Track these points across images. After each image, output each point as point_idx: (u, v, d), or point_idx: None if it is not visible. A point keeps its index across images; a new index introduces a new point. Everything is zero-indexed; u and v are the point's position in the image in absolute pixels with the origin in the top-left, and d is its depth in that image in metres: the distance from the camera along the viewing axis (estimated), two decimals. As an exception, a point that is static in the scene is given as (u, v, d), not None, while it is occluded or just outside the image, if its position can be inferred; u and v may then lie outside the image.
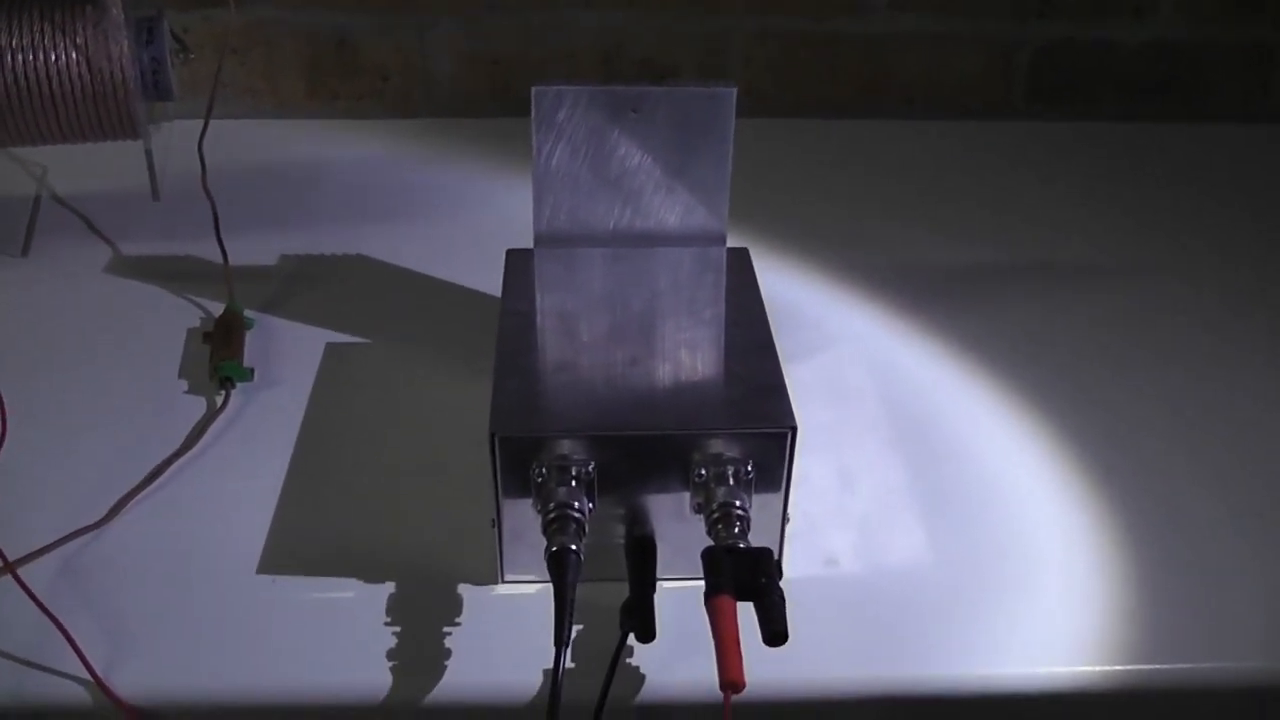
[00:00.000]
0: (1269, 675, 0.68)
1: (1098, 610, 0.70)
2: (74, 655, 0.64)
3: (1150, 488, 0.78)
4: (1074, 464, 0.80)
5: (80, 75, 0.89)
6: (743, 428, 0.65)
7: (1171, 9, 1.19)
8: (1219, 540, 0.75)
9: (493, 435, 0.64)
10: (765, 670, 0.60)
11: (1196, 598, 0.71)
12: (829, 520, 0.74)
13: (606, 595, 0.65)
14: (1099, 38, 1.20)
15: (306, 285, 0.95)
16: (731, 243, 0.83)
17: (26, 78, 0.88)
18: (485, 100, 1.19)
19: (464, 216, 1.05)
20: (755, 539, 0.64)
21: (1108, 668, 0.67)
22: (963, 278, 0.99)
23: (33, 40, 0.88)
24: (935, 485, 0.78)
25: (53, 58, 0.88)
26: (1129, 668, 0.67)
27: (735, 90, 0.77)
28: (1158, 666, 0.67)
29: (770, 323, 0.75)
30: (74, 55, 0.88)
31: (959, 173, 1.14)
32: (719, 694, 0.58)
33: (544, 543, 0.64)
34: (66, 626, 0.65)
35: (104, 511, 0.73)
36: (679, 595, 0.66)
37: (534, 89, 0.77)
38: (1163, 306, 0.96)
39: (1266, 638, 0.69)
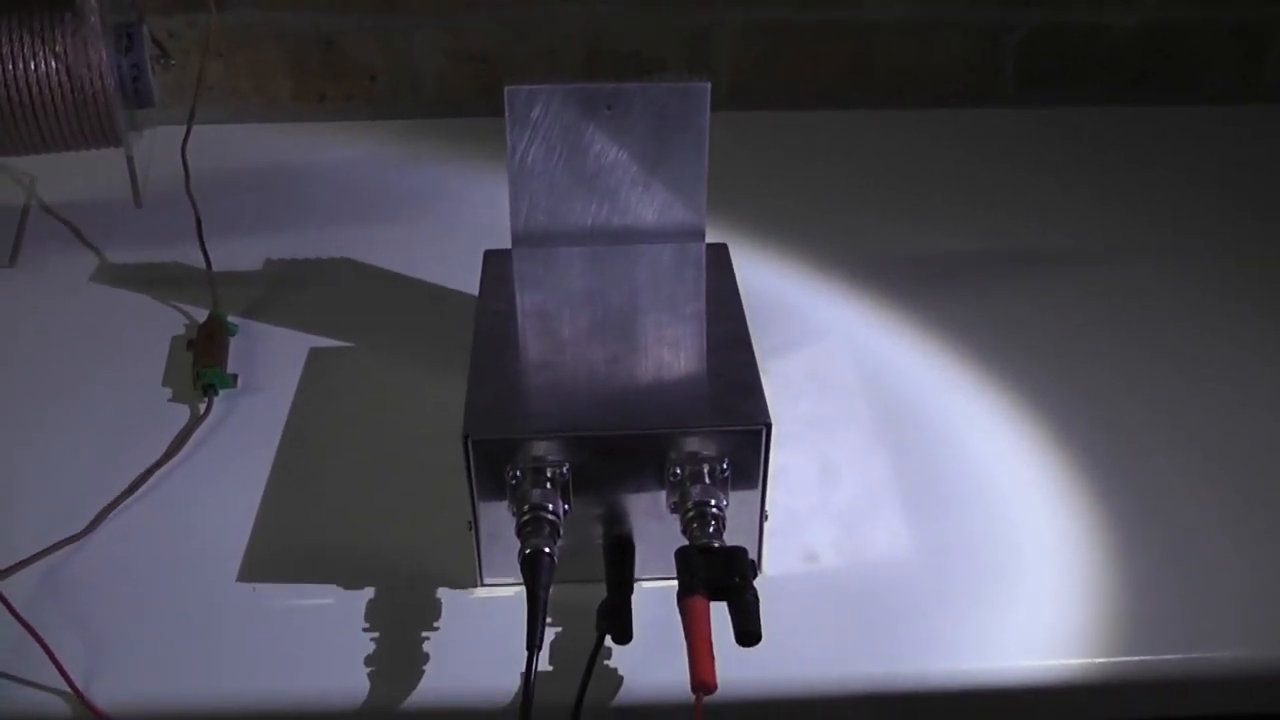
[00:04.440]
0: (1255, 665, 0.67)
1: (1083, 602, 0.70)
2: (53, 667, 0.64)
3: (1137, 478, 0.78)
4: (1059, 454, 0.79)
5: (60, 84, 0.88)
6: (717, 425, 0.65)
7: (1160, -9, 1.18)
8: (1205, 530, 0.74)
9: (466, 438, 0.64)
10: (744, 669, 0.60)
11: (1183, 589, 0.71)
12: (810, 515, 0.74)
13: (586, 596, 0.65)
14: (1088, 22, 1.19)
15: (291, 289, 0.94)
16: (720, 237, 0.82)
17: (5, 87, 0.87)
18: (473, 97, 1.19)
19: (452, 216, 1.04)
20: (733, 536, 0.64)
21: (1093, 660, 0.67)
22: (952, 268, 0.98)
23: (11, 49, 0.87)
24: (918, 478, 0.77)
25: (31, 66, 0.87)
26: (1114, 660, 0.67)
27: (709, 85, 0.77)
28: (1143, 658, 0.67)
29: (748, 318, 0.74)
30: (53, 64, 0.88)
31: (949, 161, 1.13)
32: (695, 694, 0.58)
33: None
34: (46, 639, 0.65)
35: (86, 522, 0.73)
36: (658, 594, 0.66)
37: (506, 88, 0.76)
38: (1155, 293, 0.95)
39: (1252, 627, 0.69)
